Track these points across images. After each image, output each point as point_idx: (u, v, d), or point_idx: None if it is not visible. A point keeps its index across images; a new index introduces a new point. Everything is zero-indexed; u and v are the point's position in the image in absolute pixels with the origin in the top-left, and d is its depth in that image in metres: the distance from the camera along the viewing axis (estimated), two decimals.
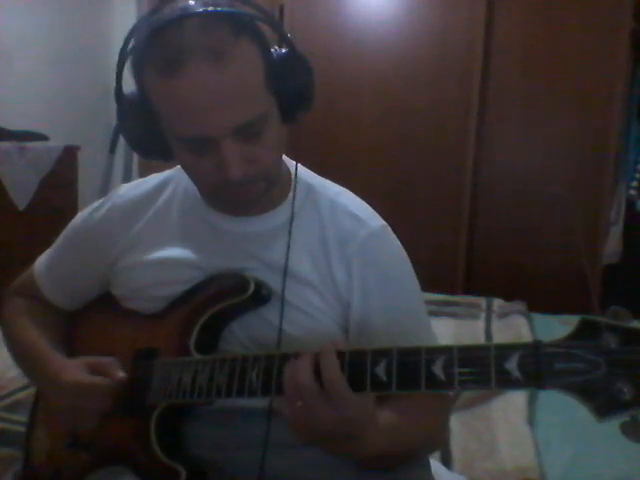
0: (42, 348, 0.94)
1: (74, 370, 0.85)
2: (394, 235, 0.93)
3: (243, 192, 0.81)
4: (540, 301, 2.49)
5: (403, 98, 3.05)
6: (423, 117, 3.04)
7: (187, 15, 0.72)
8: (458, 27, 2.95)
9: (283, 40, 0.80)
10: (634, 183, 3.00)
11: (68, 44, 3.16)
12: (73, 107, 3.17)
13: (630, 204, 3.05)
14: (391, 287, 0.89)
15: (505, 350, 0.61)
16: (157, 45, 0.72)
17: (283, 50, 0.80)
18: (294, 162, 0.92)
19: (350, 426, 0.68)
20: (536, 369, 0.59)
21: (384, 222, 0.93)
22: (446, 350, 0.65)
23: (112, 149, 3.05)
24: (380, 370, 0.67)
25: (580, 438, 1.36)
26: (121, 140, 3.04)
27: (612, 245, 3.06)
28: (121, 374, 0.84)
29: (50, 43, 3.07)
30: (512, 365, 0.60)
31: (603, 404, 0.56)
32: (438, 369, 0.64)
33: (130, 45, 0.77)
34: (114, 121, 3.09)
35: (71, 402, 0.85)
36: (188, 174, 0.86)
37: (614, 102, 2.83)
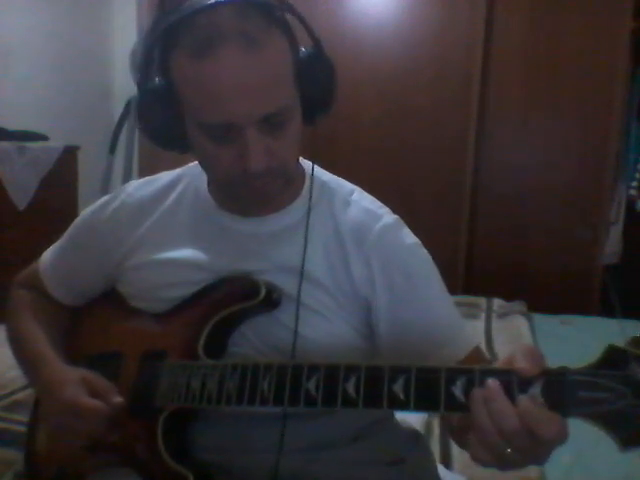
0: (42, 349, 0.93)
1: (73, 388, 0.82)
2: (407, 228, 0.92)
3: (260, 186, 0.79)
4: (540, 301, 2.50)
5: (403, 98, 3.05)
6: (423, 117, 3.04)
7: (222, 1, 0.71)
8: (458, 27, 2.95)
9: (311, 39, 0.80)
10: (634, 183, 3.00)
11: (68, 44, 3.16)
12: (73, 107, 3.17)
13: (630, 204, 3.06)
14: (415, 277, 0.86)
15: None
16: (190, 28, 0.72)
17: (310, 49, 0.80)
18: (307, 162, 0.91)
19: (550, 450, 0.63)
20: (560, 396, 0.58)
21: (397, 216, 0.92)
22: (467, 371, 0.62)
23: (112, 149, 3.05)
24: (398, 388, 0.64)
25: (580, 439, 1.35)
26: (121, 140, 3.04)
27: (612, 245, 3.06)
28: (119, 400, 0.82)
29: (50, 43, 3.07)
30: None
31: (628, 434, 0.55)
32: (458, 390, 0.62)
33: (150, 36, 0.75)
34: (114, 121, 3.10)
35: (67, 420, 0.82)
36: (205, 165, 0.84)
37: (614, 102, 2.83)
